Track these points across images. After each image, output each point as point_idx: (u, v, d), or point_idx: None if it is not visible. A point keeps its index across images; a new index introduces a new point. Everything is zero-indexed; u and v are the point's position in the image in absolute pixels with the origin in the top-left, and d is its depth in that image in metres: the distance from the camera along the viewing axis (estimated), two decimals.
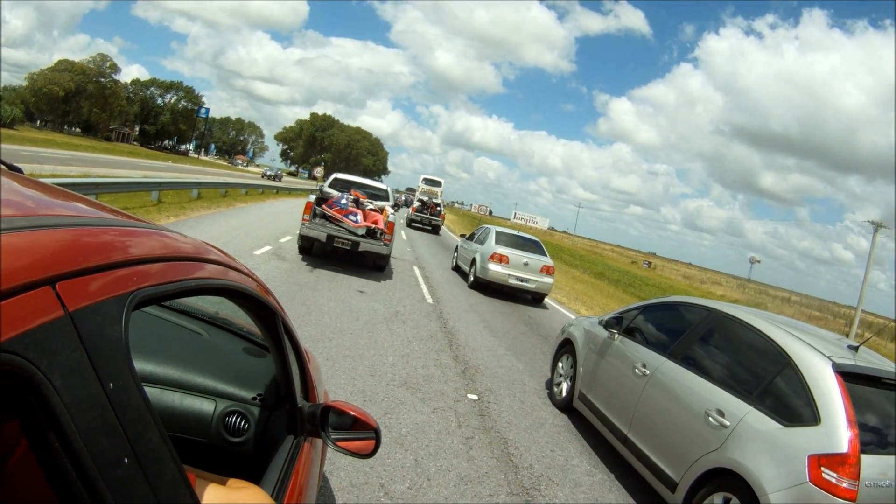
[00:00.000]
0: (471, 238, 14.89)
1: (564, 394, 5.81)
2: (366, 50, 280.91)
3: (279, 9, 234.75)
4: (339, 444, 1.58)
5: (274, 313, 1.40)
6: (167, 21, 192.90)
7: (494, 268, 12.42)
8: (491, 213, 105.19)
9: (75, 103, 77.63)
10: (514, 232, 14.37)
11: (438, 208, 31.80)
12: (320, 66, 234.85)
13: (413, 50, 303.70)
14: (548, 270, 12.93)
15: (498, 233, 13.53)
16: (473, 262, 13.33)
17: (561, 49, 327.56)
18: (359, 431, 1.59)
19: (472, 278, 13.25)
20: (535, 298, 13.34)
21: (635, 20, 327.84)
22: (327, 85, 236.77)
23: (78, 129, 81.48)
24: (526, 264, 12.64)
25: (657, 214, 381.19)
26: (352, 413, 1.57)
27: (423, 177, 49.99)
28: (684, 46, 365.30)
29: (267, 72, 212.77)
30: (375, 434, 1.58)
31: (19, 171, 0.99)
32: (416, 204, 32.52)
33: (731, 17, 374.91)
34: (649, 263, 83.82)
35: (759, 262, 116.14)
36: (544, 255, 13.37)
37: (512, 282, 12.49)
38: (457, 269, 15.67)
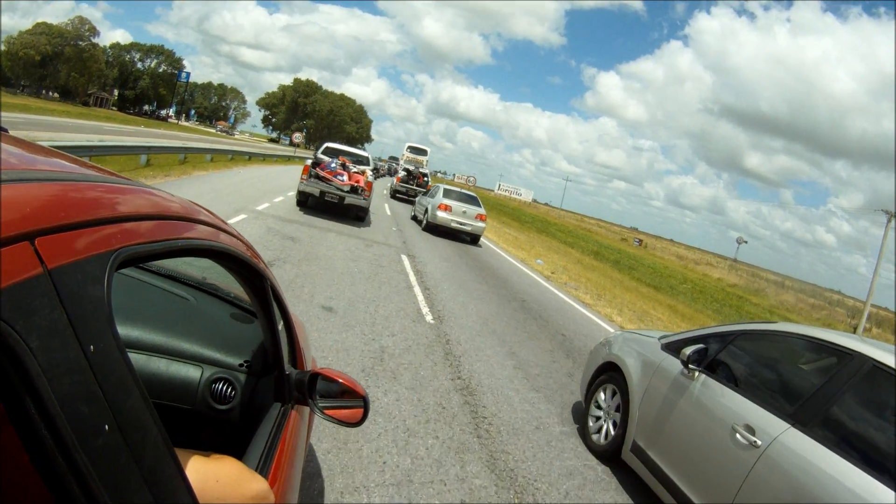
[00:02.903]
0: (426, 193, 19.72)
1: (607, 439, 4.41)
2: (353, 17, 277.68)
3: None
4: (326, 412, 1.57)
5: (262, 277, 1.38)
6: None
7: (441, 214, 16.74)
8: (475, 183, 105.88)
9: (53, 68, 76.43)
10: (457, 189, 18.69)
11: (426, 178, 29.17)
12: (307, 33, 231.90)
13: (401, 18, 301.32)
14: (481, 217, 17.51)
15: (446, 189, 17.88)
16: (426, 210, 17.57)
17: (551, 21, 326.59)
18: (347, 399, 1.59)
19: (424, 223, 17.58)
20: (472, 240, 17.71)
21: None
22: (313, 52, 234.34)
23: (56, 95, 79.92)
24: (464, 212, 17.12)
25: (640, 190, 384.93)
26: (340, 381, 1.56)
27: (408, 144, 46.94)
28: (675, 24, 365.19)
29: (252, 38, 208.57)
30: (364, 402, 1.58)
31: (5, 130, 0.92)
32: (402, 173, 29.88)
33: None
34: (640, 241, 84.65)
35: (745, 242, 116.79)
36: (479, 206, 17.70)
37: (454, 225, 16.90)
38: (414, 217, 19.90)
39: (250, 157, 30.12)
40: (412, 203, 26.78)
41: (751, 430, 3.02)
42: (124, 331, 1.58)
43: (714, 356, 3.66)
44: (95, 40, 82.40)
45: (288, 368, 1.63)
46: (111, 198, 0.81)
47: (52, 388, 0.55)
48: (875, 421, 2.79)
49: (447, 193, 17.54)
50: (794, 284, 71.43)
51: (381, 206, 21.93)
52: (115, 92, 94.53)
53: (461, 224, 17.00)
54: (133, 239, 0.76)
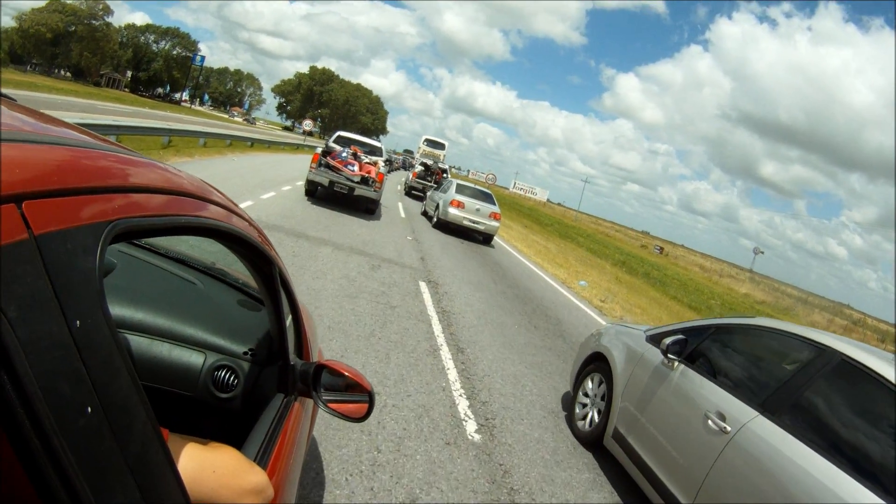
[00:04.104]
0: (437, 188, 18.45)
1: (591, 426, 4.57)
2: (374, 8, 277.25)
3: None
4: (330, 405, 1.51)
5: (272, 264, 1.32)
6: None
7: (453, 211, 15.58)
8: (495, 181, 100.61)
9: (65, 46, 75.20)
10: (471, 185, 17.51)
11: (445, 175, 25.04)
12: (327, 22, 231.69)
13: (422, 11, 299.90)
14: (495, 216, 16.33)
15: (458, 185, 16.62)
16: (437, 206, 16.38)
17: (573, 20, 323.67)
18: (352, 394, 1.52)
19: (435, 220, 16.38)
20: (484, 239, 16.65)
21: None
22: (333, 42, 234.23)
23: (68, 74, 78.97)
24: (478, 210, 15.93)
25: (654, 194, 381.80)
26: (346, 374, 1.49)
27: (424, 137, 45.97)
28: (696, 28, 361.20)
29: (272, 25, 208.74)
30: (369, 397, 1.51)
31: (12, 99, 0.86)
32: (418, 168, 26.47)
33: (745, 0, 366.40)
34: (661, 249, 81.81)
35: (762, 253, 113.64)
36: (493, 204, 16.50)
37: (466, 223, 15.74)
38: (424, 213, 18.73)
39: (252, 144, 27.23)
40: None
41: (722, 417, 3.17)
42: (128, 312, 1.57)
43: (694, 347, 3.80)
44: (109, 20, 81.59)
45: (293, 359, 1.58)
46: (113, 167, 0.76)
47: (29, 364, 0.52)
48: (840, 412, 2.90)
49: (460, 189, 16.34)
50: (819, 302, 69.34)
51: (395, 204, 19.44)
52: (129, 73, 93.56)
53: (474, 222, 15.89)
54: (132, 211, 0.72)
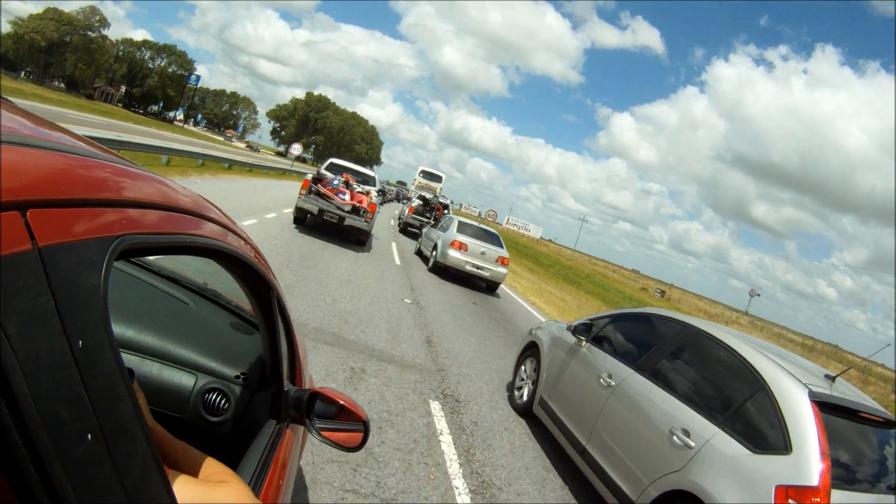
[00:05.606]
0: (435, 225, 15.86)
1: (525, 398, 5.59)
2: (373, 39, 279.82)
3: None
4: (323, 433, 1.47)
5: (269, 286, 1.30)
6: None
7: (454, 254, 13.15)
8: (495, 219, 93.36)
9: (59, 55, 73.92)
10: (476, 223, 15.01)
11: (446, 211, 21.97)
12: (326, 51, 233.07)
13: (421, 44, 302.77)
14: (503, 261, 13.79)
15: (460, 223, 14.16)
16: (435, 247, 13.95)
17: (571, 59, 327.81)
18: (346, 422, 1.49)
19: (431, 262, 13.89)
20: (488, 287, 14.18)
21: (651, 38, 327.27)
22: (331, 70, 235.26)
23: (61, 84, 77.62)
24: (483, 253, 13.43)
25: (645, 233, 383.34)
26: (341, 402, 1.47)
27: (421, 168, 43.58)
28: (692, 69, 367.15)
29: (272, 50, 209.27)
30: (364, 427, 1.49)
31: (13, 103, 0.83)
32: (416, 203, 22.77)
33: (743, 44, 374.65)
34: (662, 293, 78.76)
35: (758, 295, 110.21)
36: (501, 247, 14.07)
37: (468, 268, 13.27)
38: (419, 253, 16.42)
39: (230, 166, 24.02)
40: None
41: (610, 376, 4.24)
42: (118, 329, 1.53)
43: (599, 331, 4.89)
44: (105, 32, 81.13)
45: (287, 385, 1.53)
46: (118, 180, 0.73)
47: (28, 385, 0.48)
48: (688, 365, 4.00)
49: (462, 228, 13.95)
50: (825, 349, 68.20)
51: (387, 246, 16.11)
52: (123, 88, 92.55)
53: (478, 268, 13.41)
54: (138, 227, 0.70)
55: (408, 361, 6.00)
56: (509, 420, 5.33)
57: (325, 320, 6.28)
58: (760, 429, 3.15)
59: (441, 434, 4.45)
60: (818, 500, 2.68)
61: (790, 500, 2.72)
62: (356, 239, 13.02)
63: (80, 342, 0.55)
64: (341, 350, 5.52)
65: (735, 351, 3.63)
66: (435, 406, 5.01)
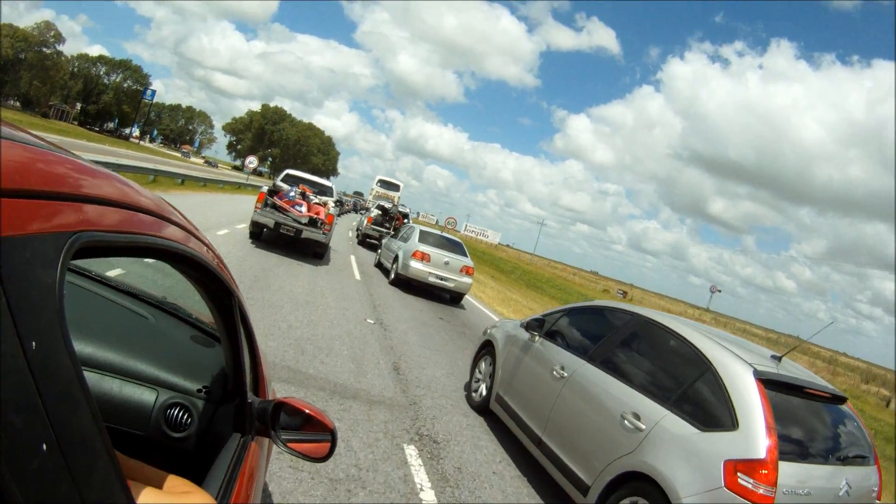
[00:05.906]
0: (395, 235, 14.92)
1: (482, 396, 5.62)
2: (329, 49, 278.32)
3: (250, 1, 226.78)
4: (290, 445, 1.43)
5: (231, 294, 1.28)
6: (133, 2, 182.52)
7: (416, 265, 12.52)
8: (455, 226, 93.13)
9: (14, 73, 71.35)
10: (438, 232, 14.51)
11: (406, 221, 21.27)
12: (282, 62, 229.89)
13: (376, 52, 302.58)
14: (468, 271, 13.18)
15: (422, 232, 13.57)
16: (396, 258, 13.30)
17: (526, 62, 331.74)
18: (312, 433, 1.45)
19: (393, 275, 13.27)
20: (453, 298, 13.50)
21: (607, 38, 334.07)
22: (287, 82, 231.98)
23: (16, 104, 75.06)
24: (447, 263, 12.82)
25: (603, 234, 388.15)
26: (307, 411, 1.42)
27: (378, 177, 42.39)
28: (648, 68, 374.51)
29: (228, 63, 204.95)
30: (331, 436, 1.45)
31: None
32: (375, 213, 21.74)
33: (698, 41, 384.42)
34: (624, 293, 79.56)
35: (719, 291, 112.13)
36: (465, 256, 13.53)
37: (432, 280, 12.64)
38: (378, 265, 15.69)
39: (183, 181, 23.34)
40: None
41: (563, 368, 4.29)
42: (76, 346, 1.37)
43: (551, 326, 4.95)
44: (61, 48, 78.82)
45: (250, 396, 1.49)
46: (78, 176, 0.70)
47: None
48: (637, 353, 4.09)
49: (424, 237, 13.29)
50: (788, 340, 70.42)
51: (346, 259, 15.37)
52: (78, 105, 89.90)
53: (442, 279, 12.75)
54: (96, 225, 0.66)
55: (375, 396, 5.28)
56: (496, 460, 4.67)
57: (279, 351, 5.61)
58: (708, 408, 3.22)
59: (422, 490, 3.80)
60: (765, 472, 2.75)
61: (739, 474, 2.79)
62: (314, 252, 12.70)
63: (34, 344, 0.51)
64: (298, 388, 4.84)
65: (682, 336, 3.70)
66: (411, 452, 4.30)
